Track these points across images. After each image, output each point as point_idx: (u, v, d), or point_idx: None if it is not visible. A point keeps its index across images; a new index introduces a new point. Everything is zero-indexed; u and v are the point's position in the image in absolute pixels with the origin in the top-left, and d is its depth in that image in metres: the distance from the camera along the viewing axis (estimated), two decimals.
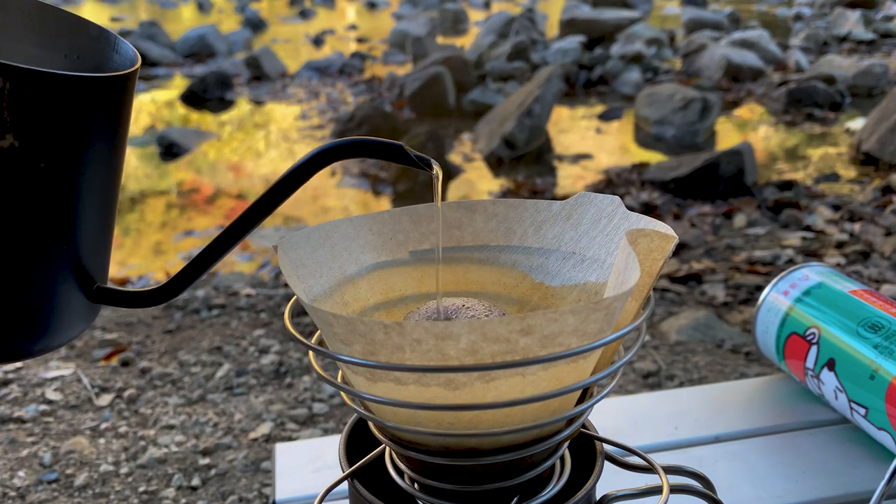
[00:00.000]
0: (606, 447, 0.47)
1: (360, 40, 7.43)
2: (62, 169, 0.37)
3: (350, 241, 0.47)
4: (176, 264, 2.58)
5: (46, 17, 0.45)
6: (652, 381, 1.59)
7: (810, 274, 0.78)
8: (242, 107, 4.98)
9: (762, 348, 0.81)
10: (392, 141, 0.41)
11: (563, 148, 3.82)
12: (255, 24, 8.36)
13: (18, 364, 1.68)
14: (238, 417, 1.48)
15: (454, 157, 3.58)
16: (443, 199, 0.45)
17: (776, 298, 0.79)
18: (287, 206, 3.20)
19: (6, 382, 1.60)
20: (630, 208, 2.73)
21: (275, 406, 1.52)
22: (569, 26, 6.14)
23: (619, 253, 0.41)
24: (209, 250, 0.42)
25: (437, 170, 0.43)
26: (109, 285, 0.43)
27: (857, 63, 4.81)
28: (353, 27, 8.52)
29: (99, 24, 0.46)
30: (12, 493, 1.27)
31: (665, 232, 0.42)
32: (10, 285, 0.38)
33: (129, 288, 0.44)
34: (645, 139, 3.98)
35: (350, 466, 0.46)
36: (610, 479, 0.49)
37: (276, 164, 3.77)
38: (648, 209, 2.75)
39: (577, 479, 0.45)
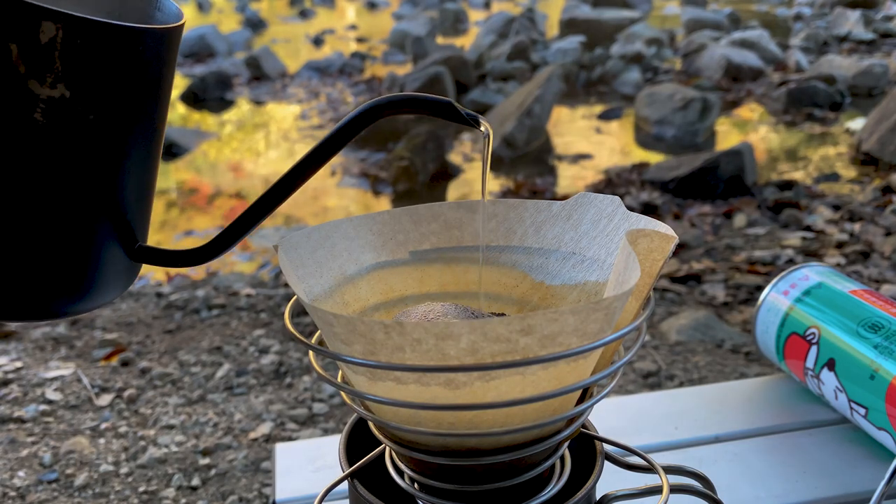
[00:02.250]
0: (606, 447, 0.47)
1: (360, 40, 7.43)
2: (110, 122, 0.37)
3: (350, 241, 0.47)
4: None
5: None
6: (652, 381, 1.59)
7: (810, 274, 0.78)
8: (242, 107, 4.98)
9: (762, 348, 0.81)
10: (442, 98, 0.40)
11: (563, 148, 3.82)
12: (255, 24, 8.36)
13: (18, 364, 1.68)
14: (238, 417, 1.48)
15: (454, 157, 3.58)
16: (443, 199, 0.45)
17: (776, 298, 0.79)
18: (287, 206, 3.20)
19: (6, 382, 1.60)
20: (630, 208, 2.73)
21: (275, 406, 1.52)
22: (569, 26, 6.14)
23: (619, 253, 0.41)
24: (251, 211, 0.41)
25: (486, 127, 0.42)
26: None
27: (858, 63, 4.81)
28: (353, 27, 8.52)
29: None
30: (12, 493, 1.27)
31: (665, 232, 0.42)
32: (54, 240, 0.37)
33: (171, 248, 0.43)
34: (645, 139, 3.98)
35: (350, 466, 0.46)
36: (610, 479, 0.49)
37: (277, 164, 3.77)
38: (648, 209, 2.75)
39: (577, 479, 0.45)
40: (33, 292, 0.38)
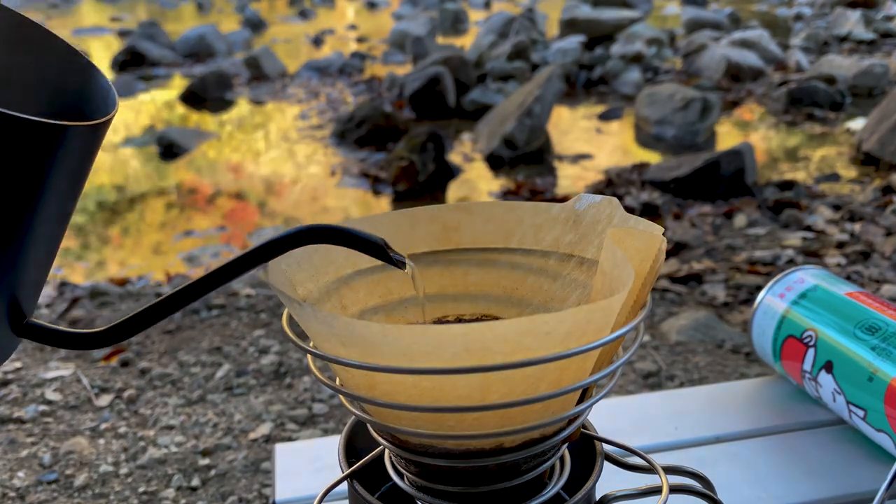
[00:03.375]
0: (606, 447, 0.47)
1: (360, 40, 7.43)
2: (20, 211, 0.36)
3: None
4: (175, 265, 2.58)
5: (26, 34, 0.42)
6: (652, 381, 1.59)
7: (806, 277, 0.78)
8: (242, 107, 4.98)
9: (758, 351, 0.81)
10: (373, 236, 0.39)
11: (563, 148, 3.82)
12: (255, 24, 8.36)
13: (18, 364, 1.68)
14: (238, 418, 1.48)
15: (454, 157, 3.58)
16: (443, 200, 0.45)
17: (772, 301, 0.79)
18: (287, 207, 3.20)
19: (6, 383, 1.60)
20: (630, 209, 2.73)
21: (274, 406, 1.52)
22: (569, 26, 6.14)
23: (604, 253, 0.41)
24: (155, 308, 0.40)
25: (409, 268, 0.42)
26: (38, 322, 0.41)
27: (858, 63, 4.81)
28: (352, 27, 8.51)
29: (80, 52, 0.43)
30: (12, 494, 1.27)
31: (650, 231, 0.42)
32: None
33: (62, 328, 0.42)
34: (645, 139, 3.98)
35: (349, 467, 0.46)
36: (610, 479, 0.49)
37: (276, 164, 3.77)
38: (649, 209, 2.75)
39: (576, 480, 0.45)
40: None
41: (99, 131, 0.38)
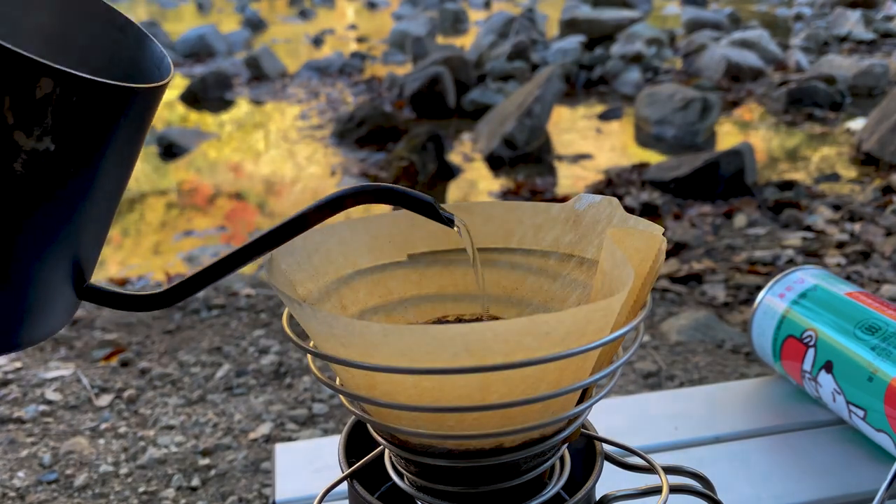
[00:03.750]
0: (606, 447, 0.47)
1: (360, 40, 7.43)
2: (86, 172, 0.37)
3: (347, 244, 0.47)
4: (175, 265, 2.58)
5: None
6: (652, 381, 1.59)
7: (805, 277, 0.78)
8: (242, 107, 4.98)
9: (758, 351, 0.81)
10: (425, 196, 0.41)
11: (563, 148, 3.82)
12: (255, 24, 8.36)
13: (18, 364, 1.68)
14: (238, 418, 1.48)
15: (454, 157, 3.58)
16: (443, 200, 0.45)
17: (772, 301, 0.79)
18: (287, 207, 3.20)
19: (6, 383, 1.60)
20: (630, 208, 2.73)
21: (274, 406, 1.52)
22: (569, 26, 6.14)
23: (604, 253, 0.41)
24: (209, 270, 0.42)
25: (459, 226, 0.43)
26: (99, 284, 0.44)
27: (858, 63, 4.81)
28: (352, 27, 8.52)
29: (135, 23, 0.45)
30: (12, 494, 1.27)
31: (650, 231, 0.42)
32: (11, 278, 0.37)
33: (123, 290, 0.43)
34: (645, 139, 3.98)
35: (349, 467, 0.46)
36: (610, 479, 0.49)
37: (276, 165, 3.77)
38: (648, 209, 2.75)
39: (576, 480, 0.45)
40: None
41: (156, 95, 0.40)
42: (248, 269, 2.46)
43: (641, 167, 3.29)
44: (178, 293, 0.42)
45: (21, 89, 0.33)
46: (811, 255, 2.27)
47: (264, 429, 1.44)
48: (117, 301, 0.43)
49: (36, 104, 0.33)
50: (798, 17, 7.73)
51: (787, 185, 2.96)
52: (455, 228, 0.43)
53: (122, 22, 0.45)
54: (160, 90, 0.40)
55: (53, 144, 0.35)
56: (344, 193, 0.40)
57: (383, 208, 3.03)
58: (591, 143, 3.94)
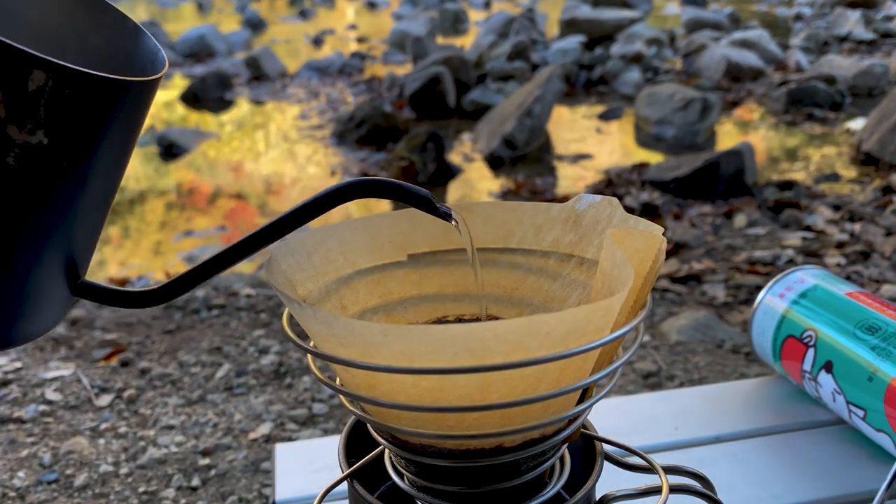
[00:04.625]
0: (606, 447, 0.47)
1: (360, 40, 7.43)
2: (80, 167, 0.37)
3: (347, 244, 0.47)
4: (175, 265, 2.58)
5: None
6: (652, 381, 1.59)
7: (805, 277, 0.78)
8: (242, 107, 4.98)
9: (758, 351, 0.81)
10: (421, 189, 0.41)
11: (563, 148, 3.82)
12: (255, 24, 8.36)
13: (18, 364, 1.68)
14: (238, 418, 1.48)
15: (454, 157, 3.58)
16: (443, 199, 0.45)
17: (772, 301, 0.79)
18: (288, 207, 3.19)
19: (6, 383, 1.60)
20: (630, 208, 2.73)
21: (275, 406, 1.52)
22: (569, 26, 6.14)
23: (604, 253, 0.41)
24: (204, 266, 0.41)
25: (456, 220, 0.43)
26: (94, 281, 0.43)
27: (858, 63, 4.81)
28: (352, 27, 8.52)
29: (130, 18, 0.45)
30: (12, 494, 1.27)
31: (650, 231, 0.42)
32: (4, 273, 0.37)
33: (117, 287, 0.43)
34: (645, 139, 3.98)
35: (349, 467, 0.46)
36: (610, 479, 0.49)
37: (276, 164, 3.77)
38: (648, 209, 2.75)
39: (576, 480, 0.45)
40: None
41: (150, 89, 0.39)
42: (248, 269, 2.46)
43: (641, 167, 3.29)
44: (173, 289, 0.42)
45: (13, 82, 0.32)
46: (811, 255, 2.27)
47: (264, 429, 1.44)
48: (112, 297, 0.42)
49: (28, 97, 0.33)
50: (798, 17, 7.73)
51: (787, 185, 2.96)
52: (452, 223, 0.42)
53: (116, 16, 0.45)
54: (154, 84, 0.40)
55: (46, 138, 0.34)
56: (340, 186, 0.40)
57: (383, 208, 3.03)
58: (591, 143, 3.94)
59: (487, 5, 10.01)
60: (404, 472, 0.43)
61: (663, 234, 0.42)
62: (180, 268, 2.53)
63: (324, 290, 0.45)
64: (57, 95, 0.34)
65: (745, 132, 4.09)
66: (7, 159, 0.34)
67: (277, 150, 4.04)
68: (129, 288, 0.43)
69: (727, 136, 3.97)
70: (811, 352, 0.73)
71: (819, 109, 4.30)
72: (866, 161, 3.32)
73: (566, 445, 0.45)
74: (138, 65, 0.44)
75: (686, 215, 2.69)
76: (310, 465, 0.72)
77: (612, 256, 0.39)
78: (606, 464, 0.46)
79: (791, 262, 2.22)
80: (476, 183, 3.34)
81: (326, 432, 1.44)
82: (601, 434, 0.47)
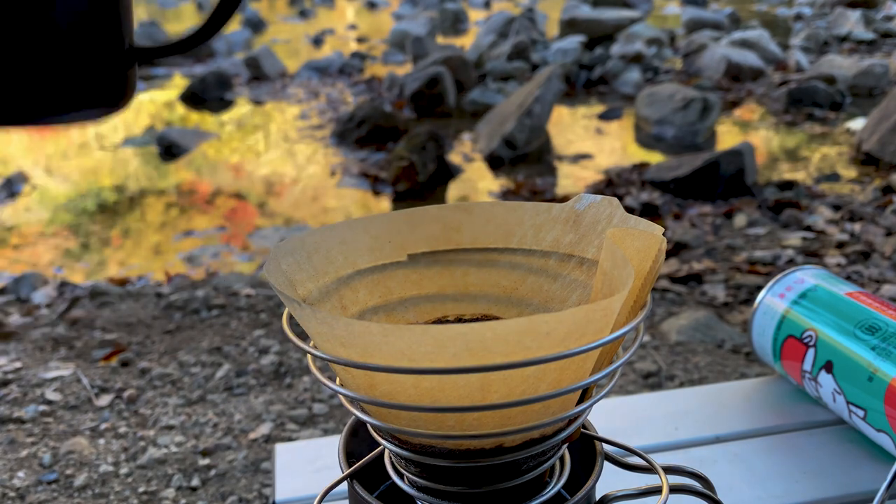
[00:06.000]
0: (606, 447, 0.47)
1: (360, 40, 7.43)
2: None
3: (347, 244, 0.47)
4: (175, 265, 2.58)
5: None
6: (652, 381, 1.59)
7: (805, 277, 0.78)
8: (242, 107, 4.98)
9: (758, 352, 0.81)
10: None
11: (563, 148, 3.83)
12: (255, 24, 8.36)
13: (18, 364, 1.68)
14: (238, 418, 1.48)
15: (454, 157, 3.58)
16: (443, 200, 0.45)
17: (772, 301, 0.79)
18: (287, 207, 3.20)
19: (6, 383, 1.60)
20: (630, 208, 2.73)
21: (275, 406, 1.52)
22: (569, 26, 6.14)
23: (604, 253, 0.41)
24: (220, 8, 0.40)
25: None
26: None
27: (858, 63, 4.81)
28: (352, 27, 8.52)
29: None
30: (12, 494, 1.27)
31: (650, 231, 0.42)
32: (45, 32, 0.35)
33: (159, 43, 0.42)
34: (645, 139, 3.98)
35: (349, 467, 0.46)
36: (610, 479, 0.49)
37: (276, 164, 3.77)
38: (649, 209, 2.75)
39: (576, 480, 0.45)
40: (18, 88, 0.35)
41: None
42: (248, 269, 2.46)
43: (641, 167, 3.29)
44: (209, 29, 0.41)
45: None
46: (811, 255, 2.27)
47: (264, 429, 1.44)
48: (160, 52, 0.41)
49: None
50: (798, 17, 7.74)
51: (787, 185, 2.96)
52: None
53: None
54: None
55: None
56: None
57: (384, 208, 3.03)
58: (591, 143, 3.94)
59: (487, 5, 10.01)
60: (404, 472, 0.43)
61: (663, 234, 0.42)
62: (180, 268, 2.53)
63: (324, 290, 0.45)
64: None
65: (745, 132, 4.09)
66: None
67: (277, 150, 4.04)
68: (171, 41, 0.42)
69: (727, 136, 3.97)
70: (811, 352, 0.73)
71: (819, 109, 4.30)
72: (866, 161, 3.33)
73: (566, 445, 0.45)
74: None
75: (686, 215, 2.69)
76: (310, 465, 0.72)
77: (613, 256, 0.39)
78: (606, 464, 0.46)
79: (791, 262, 2.22)
80: (476, 183, 3.34)
81: (326, 432, 1.44)
82: (601, 434, 0.47)
